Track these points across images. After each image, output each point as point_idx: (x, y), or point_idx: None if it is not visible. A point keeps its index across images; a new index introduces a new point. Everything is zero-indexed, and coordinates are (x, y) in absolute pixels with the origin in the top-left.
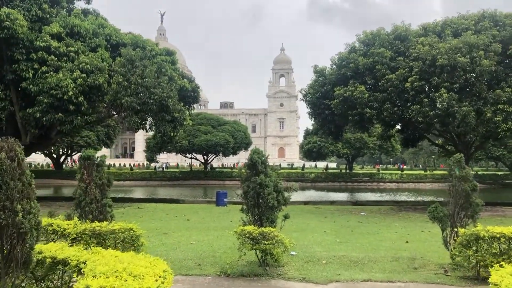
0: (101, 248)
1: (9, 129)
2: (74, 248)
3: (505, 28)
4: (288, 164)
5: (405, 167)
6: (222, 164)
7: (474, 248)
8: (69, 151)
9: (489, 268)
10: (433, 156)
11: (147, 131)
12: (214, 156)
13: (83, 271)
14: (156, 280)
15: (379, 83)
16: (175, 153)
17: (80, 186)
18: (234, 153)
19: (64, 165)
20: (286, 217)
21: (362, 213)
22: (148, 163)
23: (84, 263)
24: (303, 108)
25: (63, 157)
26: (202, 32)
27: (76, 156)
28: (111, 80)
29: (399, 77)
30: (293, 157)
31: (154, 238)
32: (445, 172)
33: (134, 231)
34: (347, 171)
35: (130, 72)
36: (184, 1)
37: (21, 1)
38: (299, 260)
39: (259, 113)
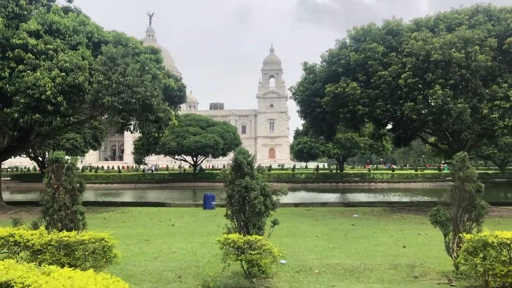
0: (56, 266)
1: None
2: (22, 267)
3: (500, 22)
4: (279, 165)
5: (394, 166)
6: (212, 166)
7: (481, 255)
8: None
9: (499, 277)
10: (423, 156)
11: (131, 132)
12: (203, 157)
13: None
14: None
15: (371, 80)
16: (163, 155)
17: (48, 191)
18: (224, 155)
19: None
20: (274, 223)
21: (355, 215)
22: (137, 165)
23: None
24: (293, 109)
25: None
26: (190, 34)
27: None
28: (92, 79)
29: (392, 74)
30: (283, 158)
31: (134, 246)
32: (435, 171)
33: (106, 241)
34: (338, 171)
35: (111, 71)
36: (171, 2)
37: None
38: (289, 270)
39: (249, 114)
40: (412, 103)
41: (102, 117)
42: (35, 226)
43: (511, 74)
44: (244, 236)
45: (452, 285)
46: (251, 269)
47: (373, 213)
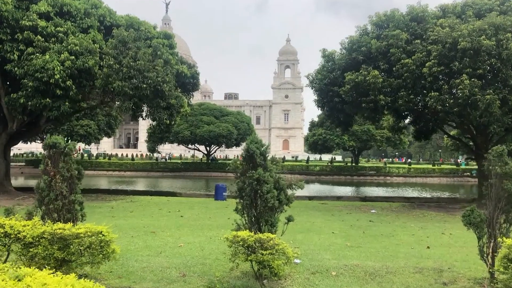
0: (34, 268)
1: None
2: None
3: None
4: (293, 157)
5: (409, 160)
6: (225, 156)
7: None
8: (69, 140)
9: None
10: (439, 150)
11: (143, 119)
12: (216, 147)
13: None
14: None
15: (394, 69)
16: (176, 144)
17: (44, 179)
18: (237, 145)
19: None
20: (289, 220)
21: (373, 211)
22: (150, 153)
23: None
24: (308, 100)
25: None
26: (208, 24)
27: (80, 145)
28: (102, 63)
29: (415, 62)
30: (297, 150)
31: (139, 239)
32: (453, 166)
33: (103, 235)
34: (353, 164)
35: (122, 54)
36: None
37: None
38: (304, 271)
39: (263, 104)
40: (437, 93)
41: (113, 103)
42: (30, 216)
43: None
44: (255, 233)
45: None
46: (262, 270)
47: (391, 208)
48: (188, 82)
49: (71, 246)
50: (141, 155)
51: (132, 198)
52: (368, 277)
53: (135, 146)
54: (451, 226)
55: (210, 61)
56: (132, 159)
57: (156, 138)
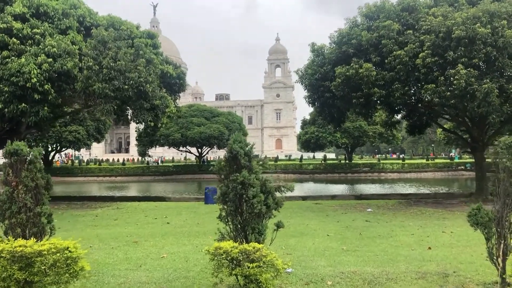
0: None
1: None
2: None
3: None
4: (286, 156)
5: (403, 156)
6: (218, 157)
7: None
8: (58, 147)
9: None
10: (432, 145)
11: (128, 122)
12: (208, 149)
13: None
14: None
15: (386, 61)
16: (167, 147)
17: (5, 190)
18: None
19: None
20: (279, 226)
21: (369, 210)
22: (141, 158)
23: None
24: (299, 99)
25: (52, 153)
26: (197, 26)
27: (68, 151)
28: (81, 64)
29: (408, 53)
30: (290, 149)
31: (119, 250)
32: (447, 160)
33: (70, 251)
34: (347, 161)
35: (102, 55)
36: None
37: None
38: (297, 281)
39: (255, 104)
40: (434, 85)
41: (97, 107)
42: None
43: None
44: (241, 243)
45: None
46: (249, 285)
47: (388, 206)
48: (174, 82)
49: (34, 265)
50: (133, 159)
51: (119, 205)
52: (367, 286)
53: (126, 150)
54: (451, 223)
55: (200, 63)
56: (123, 164)
57: (146, 141)
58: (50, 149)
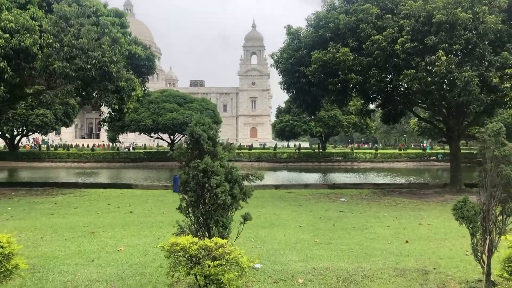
0: None
1: None
2: None
3: None
4: (261, 144)
5: (376, 146)
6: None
7: None
8: (24, 131)
9: None
10: (404, 135)
11: (92, 106)
12: (181, 135)
13: None
14: None
15: (364, 46)
16: (138, 133)
17: None
18: None
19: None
20: (246, 218)
21: (342, 199)
22: (112, 143)
23: None
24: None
25: (18, 138)
26: (173, 11)
27: (36, 136)
28: (41, 41)
29: (387, 38)
30: (265, 137)
31: (73, 242)
32: (419, 151)
33: (2, 247)
34: (320, 150)
35: (63, 32)
36: None
37: None
38: (265, 279)
39: (230, 92)
40: (413, 71)
41: (56, 86)
42: None
43: None
44: (202, 238)
45: None
46: (209, 286)
47: (362, 196)
48: (142, 64)
49: None
50: (103, 145)
51: (82, 192)
52: (341, 284)
53: (97, 136)
54: (427, 214)
55: (176, 50)
56: (92, 149)
57: (116, 127)
58: (15, 133)
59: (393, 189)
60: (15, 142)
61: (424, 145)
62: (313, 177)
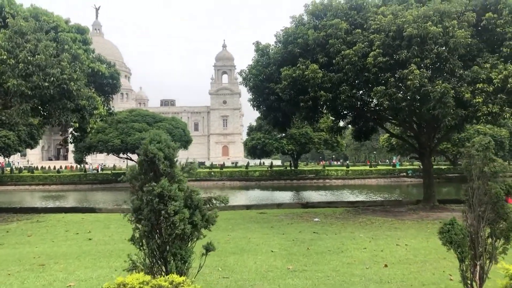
0: None
1: None
2: None
3: None
4: (232, 163)
5: (347, 162)
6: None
7: None
8: None
9: None
10: (374, 152)
11: (52, 126)
12: None
13: None
14: None
15: (334, 61)
16: (106, 154)
17: None
18: None
19: None
20: (208, 249)
21: (316, 219)
22: (79, 165)
23: None
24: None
25: None
26: (143, 34)
27: None
28: None
29: (357, 53)
30: (237, 156)
31: (16, 277)
32: (389, 167)
33: None
34: (292, 168)
35: (19, 48)
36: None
37: None
38: None
39: (201, 110)
40: (383, 87)
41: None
42: None
43: (491, 54)
44: (156, 276)
45: None
46: None
47: (336, 215)
48: (106, 83)
49: None
50: (71, 167)
51: (41, 218)
52: None
53: (65, 157)
54: (404, 234)
55: (146, 70)
56: (58, 171)
57: (83, 148)
58: None
59: (367, 207)
60: None
61: (394, 161)
62: (286, 196)
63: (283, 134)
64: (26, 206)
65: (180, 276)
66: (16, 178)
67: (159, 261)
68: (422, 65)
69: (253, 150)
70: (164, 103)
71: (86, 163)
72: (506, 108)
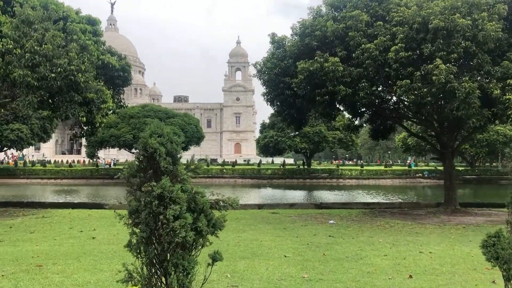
0: None
1: None
2: None
3: None
4: (245, 160)
5: (362, 162)
6: None
7: None
8: None
9: None
10: (388, 152)
11: (62, 119)
12: None
13: None
14: None
15: (353, 55)
16: (118, 149)
17: None
18: (185, 149)
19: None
20: (214, 259)
21: (331, 222)
22: (91, 159)
23: None
24: (260, 103)
25: None
26: (159, 30)
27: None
28: (0, 46)
29: (378, 47)
30: (249, 153)
31: (9, 280)
32: (405, 168)
33: None
34: (305, 167)
35: (25, 37)
36: None
37: None
38: None
39: (214, 107)
40: (408, 81)
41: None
42: None
43: None
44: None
45: None
46: None
47: (351, 217)
48: (117, 75)
49: None
50: (83, 161)
51: (46, 213)
52: None
53: (78, 152)
54: (426, 240)
55: (160, 65)
56: (70, 165)
57: (95, 142)
58: None
59: (383, 209)
60: None
61: (409, 161)
62: (298, 195)
63: (297, 132)
64: (33, 201)
65: None
66: (29, 172)
67: (158, 271)
68: (448, 59)
69: (266, 148)
70: (178, 99)
71: (98, 158)
72: None
